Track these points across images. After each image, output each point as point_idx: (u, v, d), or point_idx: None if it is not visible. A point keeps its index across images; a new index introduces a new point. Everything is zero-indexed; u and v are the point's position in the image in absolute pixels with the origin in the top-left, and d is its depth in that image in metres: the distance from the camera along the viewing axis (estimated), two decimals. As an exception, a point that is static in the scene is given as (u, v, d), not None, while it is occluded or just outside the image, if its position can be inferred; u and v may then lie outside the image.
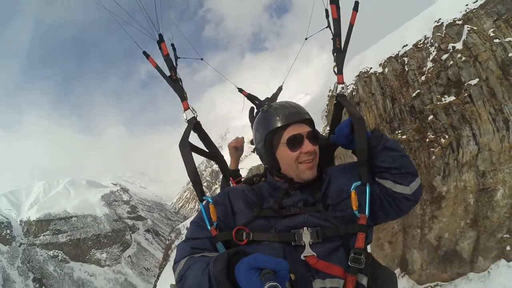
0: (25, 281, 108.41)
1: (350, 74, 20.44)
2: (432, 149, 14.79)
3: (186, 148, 1.54)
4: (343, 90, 1.68)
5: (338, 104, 1.72)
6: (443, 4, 16.81)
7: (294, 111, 1.43)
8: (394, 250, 17.32)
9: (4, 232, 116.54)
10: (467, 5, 14.83)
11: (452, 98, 14.03)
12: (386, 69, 17.64)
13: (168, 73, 1.79)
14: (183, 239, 1.42)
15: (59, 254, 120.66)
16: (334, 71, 1.70)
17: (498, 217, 12.87)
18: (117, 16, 1.67)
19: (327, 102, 23.97)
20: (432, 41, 15.55)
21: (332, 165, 1.77)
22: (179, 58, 1.83)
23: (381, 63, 18.15)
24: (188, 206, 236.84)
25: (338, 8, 1.72)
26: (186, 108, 1.74)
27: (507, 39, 13.29)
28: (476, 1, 14.58)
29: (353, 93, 19.48)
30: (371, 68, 18.76)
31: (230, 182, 1.99)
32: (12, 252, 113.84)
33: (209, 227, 1.34)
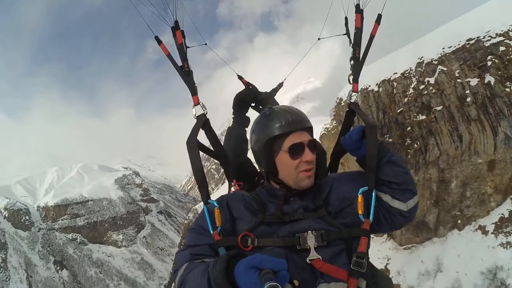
0: (46, 264, 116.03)
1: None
2: (408, 150, 21.48)
3: (194, 147, 1.52)
4: (357, 99, 1.70)
5: (350, 111, 1.73)
6: (426, 41, 22.81)
7: (297, 119, 1.44)
8: (384, 223, 24.38)
9: (23, 218, 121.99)
10: (443, 48, 20.80)
11: (424, 117, 20.53)
12: (381, 89, 23.98)
13: (179, 63, 1.73)
14: (182, 248, 1.42)
15: (78, 237, 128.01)
16: (349, 80, 1.72)
17: (452, 200, 19.64)
18: None
19: (336, 103, 30.46)
20: (414, 73, 21.82)
21: (335, 171, 1.84)
22: (188, 47, 1.76)
23: (377, 83, 24.45)
24: (197, 189, 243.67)
25: (362, 18, 1.74)
26: (197, 103, 1.70)
27: (467, 80, 19.33)
28: (450, 47, 20.55)
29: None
30: (369, 86, 25.09)
31: (233, 185, 1.96)
32: (32, 237, 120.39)
33: (211, 232, 1.36)
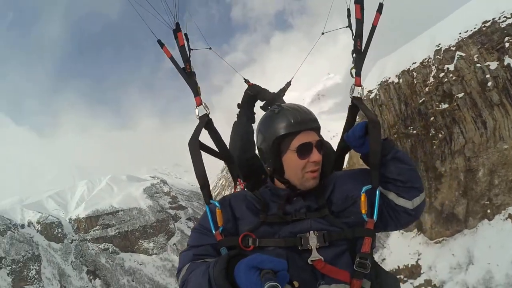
0: (79, 274, 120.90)
1: (373, 79, 27.06)
2: (433, 141, 21.34)
3: (196, 147, 1.55)
4: (360, 93, 1.68)
5: (354, 106, 1.72)
6: (443, 27, 22.65)
7: (307, 118, 1.45)
8: (412, 217, 24.22)
9: (56, 231, 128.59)
10: (460, 33, 20.65)
11: (446, 105, 20.37)
12: (401, 80, 23.93)
13: (182, 65, 1.78)
14: (185, 248, 1.45)
15: (110, 247, 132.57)
16: (351, 73, 1.69)
17: (481, 189, 19.33)
18: (134, 1, 1.69)
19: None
20: (433, 61, 21.70)
21: (340, 168, 1.81)
22: (192, 50, 1.82)
23: (397, 75, 24.42)
24: (224, 193, 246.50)
25: (362, 8, 1.72)
26: (199, 104, 1.74)
27: (486, 63, 19.12)
28: (466, 31, 20.39)
29: (377, 97, 26.04)
30: (389, 78, 25.09)
31: (238, 184, 1.98)
32: (65, 248, 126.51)
33: (213, 232, 1.38)
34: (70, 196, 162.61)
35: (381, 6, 1.76)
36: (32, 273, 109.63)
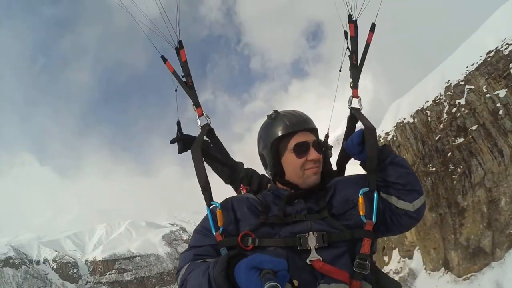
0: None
1: (389, 121, 28.29)
2: (453, 176, 21.82)
3: (198, 153, 1.61)
4: (359, 105, 1.77)
5: (352, 116, 1.81)
6: (450, 63, 23.96)
7: (302, 119, 1.53)
8: (438, 254, 23.89)
9: (71, 271, 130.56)
10: (467, 67, 21.76)
11: (462, 139, 21.15)
12: (416, 120, 24.94)
13: (183, 80, 1.88)
14: (186, 249, 1.47)
15: None
16: (350, 86, 1.81)
17: (505, 218, 19.34)
18: (139, 21, 1.80)
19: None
20: (444, 98, 22.88)
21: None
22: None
23: (411, 115, 25.45)
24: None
25: (356, 27, 1.86)
26: (200, 114, 1.83)
27: (495, 92, 19.67)
28: (473, 64, 21.48)
29: (394, 138, 27.04)
30: (404, 118, 26.16)
31: (241, 189, 2.00)
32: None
33: (214, 232, 1.39)
34: (88, 237, 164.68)
35: (373, 26, 1.95)
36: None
